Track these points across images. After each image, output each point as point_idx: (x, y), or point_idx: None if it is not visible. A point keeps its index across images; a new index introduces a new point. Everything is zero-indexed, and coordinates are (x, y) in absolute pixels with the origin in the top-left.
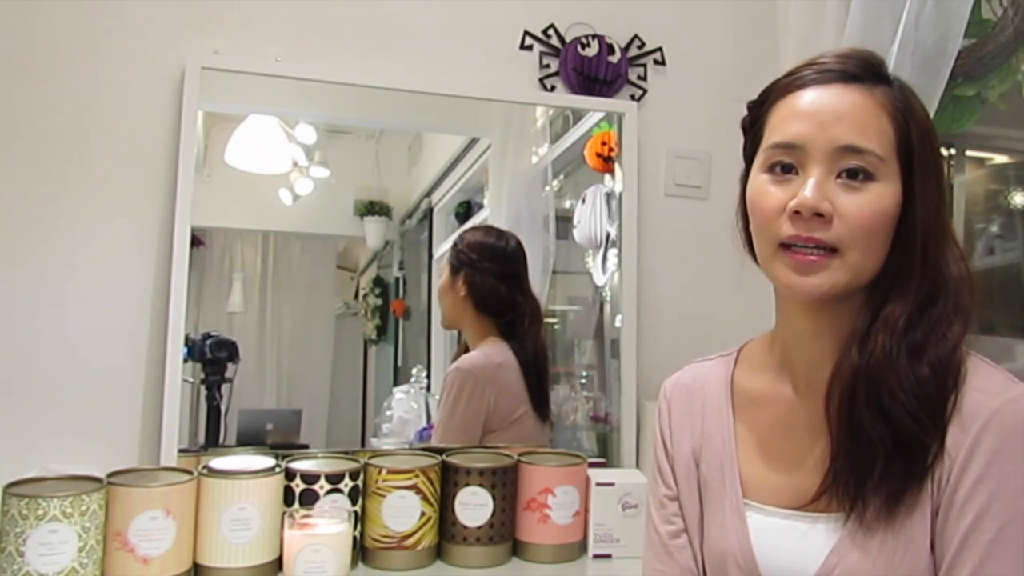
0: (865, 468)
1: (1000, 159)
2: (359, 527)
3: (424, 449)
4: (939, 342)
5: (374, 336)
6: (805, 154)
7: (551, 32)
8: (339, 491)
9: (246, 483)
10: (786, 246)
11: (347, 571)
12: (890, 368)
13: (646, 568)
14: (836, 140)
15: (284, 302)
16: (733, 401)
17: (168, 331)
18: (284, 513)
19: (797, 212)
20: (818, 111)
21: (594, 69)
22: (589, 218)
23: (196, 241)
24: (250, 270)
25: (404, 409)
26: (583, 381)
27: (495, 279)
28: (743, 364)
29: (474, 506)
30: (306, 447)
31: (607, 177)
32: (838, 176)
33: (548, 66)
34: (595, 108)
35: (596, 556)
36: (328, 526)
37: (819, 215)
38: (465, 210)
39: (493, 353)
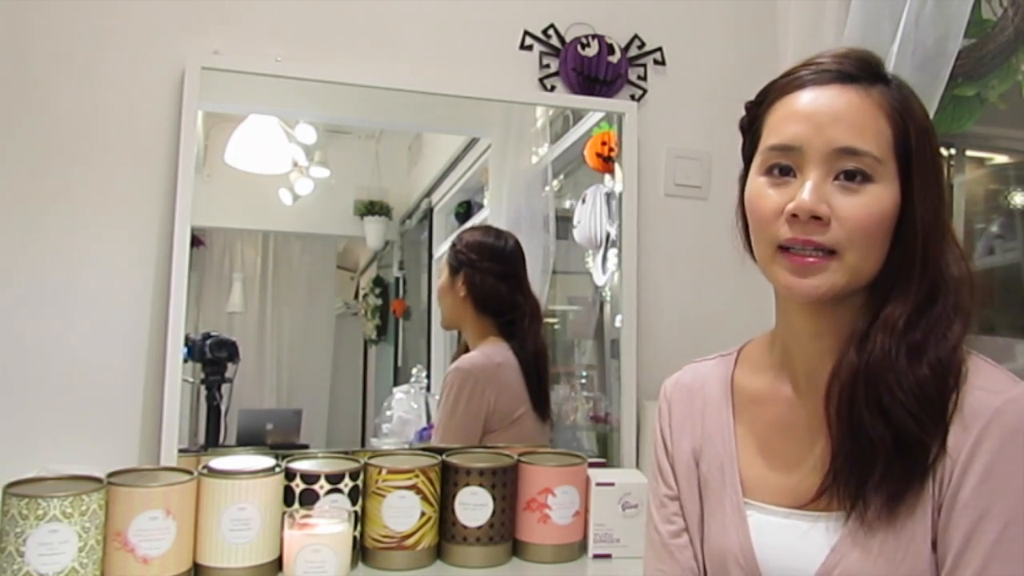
0: (866, 468)
1: (1000, 159)
2: (359, 527)
3: (424, 449)
4: (939, 342)
5: (374, 336)
6: (802, 156)
7: (551, 32)
8: (339, 491)
9: (246, 483)
10: (784, 248)
11: (347, 571)
12: (889, 368)
13: (647, 568)
14: (833, 142)
15: (284, 302)
16: (733, 401)
17: (168, 331)
18: (284, 513)
19: (795, 215)
20: (815, 112)
21: (594, 69)
22: (589, 218)
23: (196, 241)
24: (250, 270)
25: (404, 409)
26: (583, 381)
27: (495, 279)
28: (743, 364)
29: (474, 506)
30: (306, 447)
31: (607, 177)
32: (835, 178)
33: (548, 66)
34: (595, 108)
35: (596, 556)
36: (328, 526)
37: (817, 218)
38: (465, 210)
39: (493, 353)
